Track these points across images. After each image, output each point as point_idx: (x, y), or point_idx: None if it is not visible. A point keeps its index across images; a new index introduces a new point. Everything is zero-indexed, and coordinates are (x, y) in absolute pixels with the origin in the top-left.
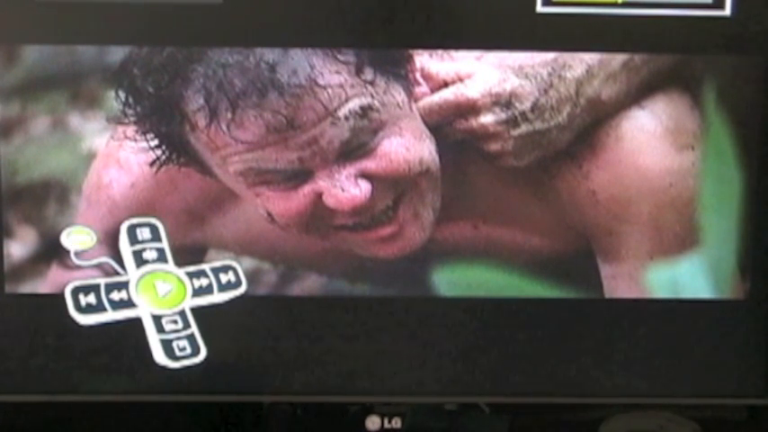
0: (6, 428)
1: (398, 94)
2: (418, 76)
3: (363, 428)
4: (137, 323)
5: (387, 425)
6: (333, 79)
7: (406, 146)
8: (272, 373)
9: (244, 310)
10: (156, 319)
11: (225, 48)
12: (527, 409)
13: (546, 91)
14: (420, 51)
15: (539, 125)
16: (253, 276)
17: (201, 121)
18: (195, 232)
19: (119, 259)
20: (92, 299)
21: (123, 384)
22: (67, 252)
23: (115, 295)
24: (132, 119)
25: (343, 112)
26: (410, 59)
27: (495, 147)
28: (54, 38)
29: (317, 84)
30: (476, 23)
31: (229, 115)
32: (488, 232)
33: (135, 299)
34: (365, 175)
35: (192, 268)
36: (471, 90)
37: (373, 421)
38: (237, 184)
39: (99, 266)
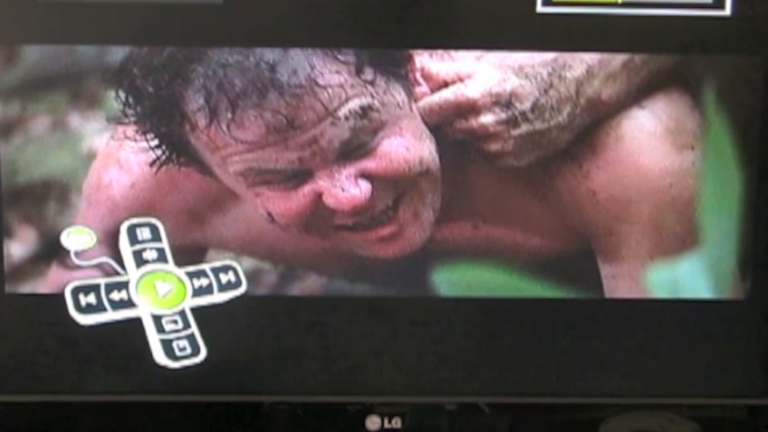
0: (6, 428)
1: (398, 94)
2: (418, 76)
3: (363, 428)
4: (137, 323)
5: (387, 425)
6: (333, 79)
7: (406, 146)
8: (272, 373)
9: (244, 310)
10: (156, 319)
11: (225, 48)
12: (527, 409)
13: (546, 91)
14: (420, 51)
15: (539, 125)
16: (253, 276)
17: (201, 121)
18: (195, 232)
19: (119, 259)
20: (92, 299)
21: (123, 384)
22: (67, 252)
23: (115, 295)
24: (132, 119)
25: (343, 112)
26: (410, 59)
27: (495, 147)
28: (54, 38)
29: (317, 84)
30: (476, 23)
31: (229, 115)
32: (488, 232)
33: (135, 299)
34: (365, 175)
35: (191, 268)
36: (471, 90)
37: (373, 421)
38: (237, 184)
39: (99, 266)
